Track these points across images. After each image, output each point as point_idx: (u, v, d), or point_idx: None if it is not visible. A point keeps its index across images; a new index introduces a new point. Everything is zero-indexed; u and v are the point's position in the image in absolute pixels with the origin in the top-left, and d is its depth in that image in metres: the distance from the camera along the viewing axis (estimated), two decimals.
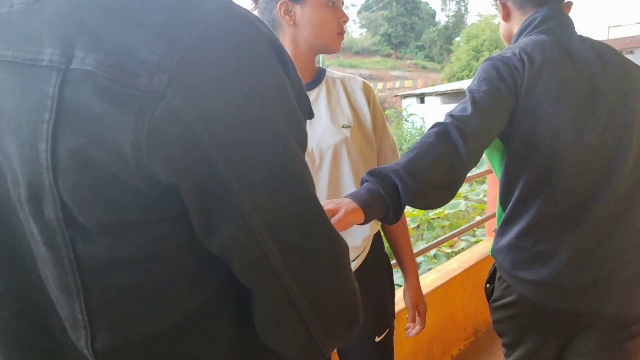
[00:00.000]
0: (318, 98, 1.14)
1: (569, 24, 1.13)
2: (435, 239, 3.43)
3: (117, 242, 0.43)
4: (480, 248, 2.78)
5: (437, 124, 1.00)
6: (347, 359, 1.28)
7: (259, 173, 0.42)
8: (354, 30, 56.93)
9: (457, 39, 37.92)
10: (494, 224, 2.95)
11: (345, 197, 0.89)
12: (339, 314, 0.49)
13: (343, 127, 1.13)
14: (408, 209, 7.22)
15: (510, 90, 1.03)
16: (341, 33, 1.09)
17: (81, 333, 0.45)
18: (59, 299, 0.46)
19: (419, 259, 4.97)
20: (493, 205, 2.95)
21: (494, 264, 1.22)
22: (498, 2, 1.21)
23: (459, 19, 49.40)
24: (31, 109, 0.40)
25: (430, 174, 0.91)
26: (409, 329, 1.34)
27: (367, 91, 1.21)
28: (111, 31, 0.40)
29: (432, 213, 6.45)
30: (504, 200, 1.14)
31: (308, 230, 0.45)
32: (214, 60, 0.40)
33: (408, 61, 43.90)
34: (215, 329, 0.49)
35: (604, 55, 1.08)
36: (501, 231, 1.16)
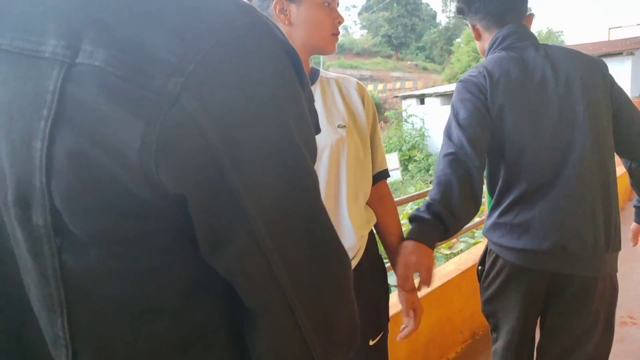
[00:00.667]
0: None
1: (527, 37, 1.33)
2: None
3: (110, 253, 0.40)
4: (478, 250, 2.76)
5: (447, 154, 1.23)
6: None
7: (272, 188, 0.40)
8: (355, 32, 56.99)
9: (458, 40, 37.90)
10: None
11: (412, 239, 1.16)
12: (342, 337, 0.47)
13: (339, 126, 1.13)
14: (406, 209, 7.15)
15: (483, 103, 1.26)
16: (336, 34, 1.09)
17: (62, 352, 0.42)
18: (40, 312, 0.43)
19: None
20: None
21: (486, 244, 1.44)
22: (469, 25, 1.42)
23: (459, 20, 49.30)
24: (27, 103, 0.37)
25: (462, 207, 1.19)
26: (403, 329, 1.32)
27: (361, 91, 1.21)
28: (124, 26, 0.37)
29: None
30: (491, 189, 1.38)
31: (318, 248, 0.43)
32: (233, 66, 0.38)
33: (409, 62, 43.90)
34: (209, 352, 0.46)
35: (556, 59, 1.28)
36: (490, 214, 1.38)
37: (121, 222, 0.39)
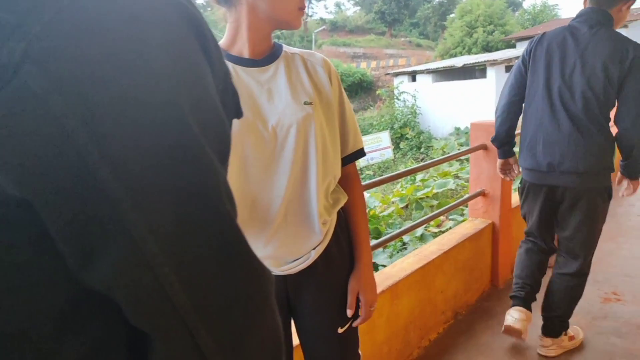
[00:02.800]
0: (276, 73, 1.07)
1: (588, 20, 1.86)
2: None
3: None
4: (461, 229, 2.71)
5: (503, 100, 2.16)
6: (310, 352, 1.22)
7: (160, 186, 0.32)
8: (348, 8, 56.13)
9: (452, 15, 37.35)
10: (476, 203, 2.89)
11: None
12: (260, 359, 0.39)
13: (305, 103, 1.07)
14: (396, 187, 7.08)
15: (524, 62, 2.02)
16: (302, 8, 1.04)
17: None
18: None
19: (405, 238, 4.93)
20: (475, 184, 2.88)
21: None
22: None
23: None
24: None
25: (498, 128, 2.15)
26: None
27: (327, 67, 1.15)
28: None
29: (421, 192, 6.41)
30: None
31: (224, 259, 0.36)
32: (98, 29, 0.29)
33: (402, 39, 43.36)
34: None
35: (595, 37, 1.83)
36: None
37: None
